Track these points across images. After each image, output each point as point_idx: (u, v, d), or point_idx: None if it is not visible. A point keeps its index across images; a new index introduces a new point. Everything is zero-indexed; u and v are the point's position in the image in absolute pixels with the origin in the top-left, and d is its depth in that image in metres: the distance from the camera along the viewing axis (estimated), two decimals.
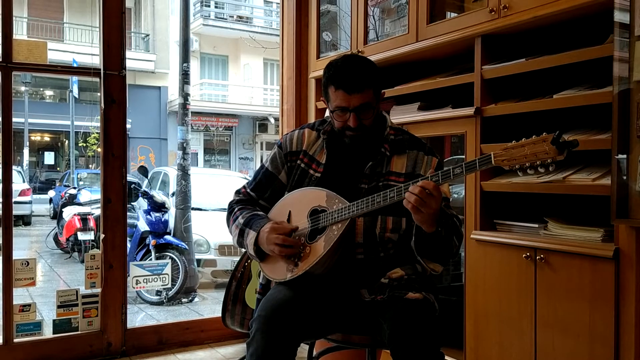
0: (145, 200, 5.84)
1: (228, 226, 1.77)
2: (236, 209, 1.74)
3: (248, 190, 1.78)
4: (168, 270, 3.51)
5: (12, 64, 2.72)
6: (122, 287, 2.95)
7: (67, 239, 7.30)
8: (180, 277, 5.40)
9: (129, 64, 3.00)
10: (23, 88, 15.95)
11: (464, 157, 2.18)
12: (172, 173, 7.53)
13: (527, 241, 1.91)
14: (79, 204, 8.14)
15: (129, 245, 5.35)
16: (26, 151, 16.31)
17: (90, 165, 17.31)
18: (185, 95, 6.30)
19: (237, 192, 1.81)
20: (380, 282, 1.59)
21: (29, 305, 2.81)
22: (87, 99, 16.21)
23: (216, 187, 7.32)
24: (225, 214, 1.81)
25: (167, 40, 17.94)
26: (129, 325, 3.01)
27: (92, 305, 2.91)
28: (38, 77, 16.34)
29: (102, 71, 2.87)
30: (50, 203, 13.20)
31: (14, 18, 2.77)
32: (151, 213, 5.66)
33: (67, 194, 8.64)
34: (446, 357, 1.55)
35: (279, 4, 5.23)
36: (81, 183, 12.11)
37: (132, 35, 18.11)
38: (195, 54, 17.97)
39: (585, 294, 1.73)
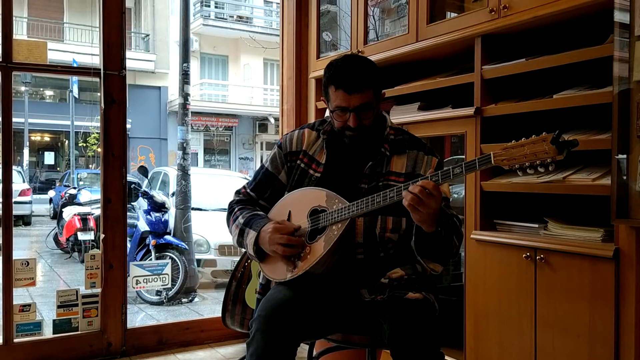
0: (145, 200, 5.84)
1: (228, 226, 1.77)
2: (236, 209, 1.74)
3: (248, 190, 1.78)
4: (168, 270, 3.51)
5: (12, 64, 2.72)
6: (122, 287, 2.95)
7: (67, 239, 7.30)
8: (180, 277, 5.40)
9: (129, 64, 3.00)
10: (23, 88, 15.95)
11: (464, 157, 2.18)
12: (172, 173, 7.53)
13: (527, 241, 1.91)
14: (79, 204, 8.14)
15: (129, 245, 5.35)
16: (26, 151, 16.32)
17: (90, 165, 17.31)
18: (185, 95, 6.30)
19: (237, 192, 1.81)
20: (380, 282, 1.59)
21: (29, 305, 2.81)
22: (87, 99, 16.22)
23: (216, 187, 7.32)
24: (225, 214, 1.81)
25: (167, 40, 17.94)
26: (129, 325, 3.01)
27: (92, 305, 2.91)
28: (38, 77, 16.35)
29: (102, 71, 2.87)
30: (50, 203, 13.20)
31: (14, 18, 2.77)
32: (151, 213, 5.66)
33: (67, 194, 8.65)
34: (446, 357, 1.55)
35: (279, 4, 5.23)
36: (81, 183, 12.11)
37: (132, 35, 18.12)
38: (195, 54, 17.97)
39: (585, 294, 1.73)
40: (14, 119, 2.73)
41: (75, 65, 9.82)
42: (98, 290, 2.92)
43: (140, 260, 5.35)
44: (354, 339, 1.67)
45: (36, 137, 19.05)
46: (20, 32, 15.82)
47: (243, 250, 1.91)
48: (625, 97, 1.58)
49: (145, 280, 3.42)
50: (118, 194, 2.92)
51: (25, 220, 11.51)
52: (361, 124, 1.60)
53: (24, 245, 8.91)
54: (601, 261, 1.68)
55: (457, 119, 2.19)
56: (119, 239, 2.94)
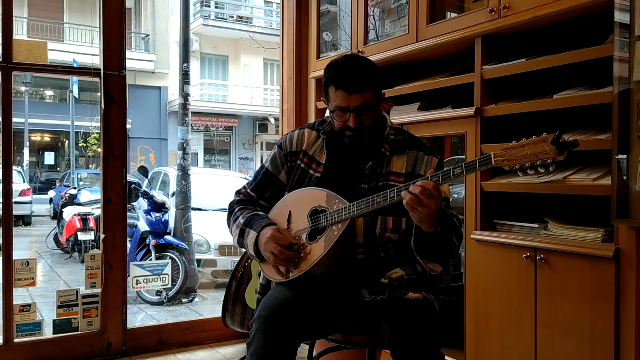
0: (146, 200, 5.84)
1: (228, 226, 1.77)
2: (236, 209, 1.74)
3: (248, 190, 1.78)
4: (168, 270, 3.51)
5: (12, 64, 2.72)
6: (122, 287, 2.95)
7: (67, 239, 7.30)
8: (180, 277, 5.40)
9: (129, 64, 3.00)
10: (23, 88, 15.95)
11: (464, 157, 2.18)
12: (172, 173, 7.54)
13: (527, 241, 1.91)
14: (79, 204, 8.14)
15: (129, 245, 5.35)
16: (26, 151, 16.32)
17: (90, 165, 17.32)
18: (185, 95, 6.30)
19: (238, 192, 1.81)
20: (380, 282, 1.59)
21: (29, 305, 2.81)
22: (87, 99, 16.22)
23: (216, 187, 7.32)
24: (225, 214, 1.81)
25: (167, 40, 17.94)
26: (129, 325, 3.01)
27: (92, 306, 2.91)
28: (38, 77, 16.35)
29: (102, 71, 2.87)
30: (50, 203, 13.20)
31: (14, 18, 2.77)
32: (151, 213, 5.66)
33: (67, 194, 8.64)
34: (446, 357, 1.55)
35: (279, 4, 5.23)
36: (81, 183, 12.11)
37: (132, 35, 18.12)
38: (196, 54, 17.97)
39: (586, 294, 1.73)
40: (14, 119, 2.73)
41: (75, 65, 9.84)
42: (98, 290, 2.92)
43: (141, 260, 5.35)
44: (354, 339, 1.67)
45: (36, 137, 19.05)
46: (20, 32, 15.82)
47: (243, 250, 1.91)
48: (625, 97, 1.58)
49: (145, 280, 3.42)
50: (118, 194, 2.92)
51: (26, 220, 11.51)
52: (361, 124, 1.60)
53: (24, 245, 8.91)
54: (601, 261, 1.68)
55: (457, 119, 2.19)
56: (119, 239, 2.94)
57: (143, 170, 6.13)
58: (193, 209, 6.17)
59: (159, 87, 18.11)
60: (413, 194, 1.40)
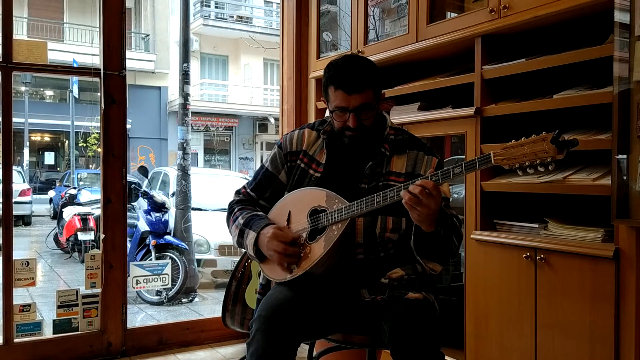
0: (146, 200, 5.84)
1: (228, 226, 1.77)
2: (236, 209, 1.74)
3: (248, 190, 1.78)
4: (168, 270, 3.51)
5: (12, 64, 2.72)
6: (122, 287, 2.95)
7: (67, 239, 7.30)
8: (180, 277, 5.40)
9: (129, 64, 3.00)
10: (23, 88, 15.95)
11: (464, 157, 2.18)
12: (172, 173, 7.53)
13: (527, 241, 1.91)
14: (79, 204, 8.14)
15: (129, 245, 5.35)
16: (26, 151, 16.32)
17: (90, 165, 17.32)
18: (185, 95, 6.30)
19: (237, 193, 1.81)
20: (380, 282, 1.59)
21: (29, 305, 2.81)
22: (87, 99, 16.22)
23: (216, 187, 7.32)
24: (225, 214, 1.81)
25: (167, 40, 17.94)
26: (129, 325, 3.01)
27: (92, 306, 2.91)
28: (38, 77, 16.35)
29: (102, 71, 2.87)
30: (50, 203, 13.20)
31: (14, 18, 2.77)
32: (151, 213, 5.66)
33: (67, 194, 8.64)
34: (446, 357, 1.55)
35: (279, 4, 5.23)
36: (81, 183, 12.11)
37: (132, 35, 18.12)
38: (196, 54, 17.97)
39: (586, 294, 1.73)
40: (14, 119, 2.73)
41: (75, 65, 9.84)
42: (98, 290, 2.92)
43: (141, 260, 5.35)
44: (354, 339, 1.67)
45: (36, 137, 19.05)
46: (20, 32, 15.83)
47: (243, 250, 1.91)
48: (625, 97, 1.58)
49: (145, 281, 3.42)
50: (118, 194, 2.92)
51: (26, 220, 11.51)
52: (361, 124, 1.60)
53: (24, 245, 8.91)
54: (601, 261, 1.68)
55: (457, 119, 2.19)
56: (119, 239, 2.94)
57: (143, 170, 6.13)
58: (193, 209, 6.17)
59: (159, 87, 18.11)
60: (412, 194, 1.40)
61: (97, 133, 14.53)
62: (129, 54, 3.18)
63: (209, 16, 18.47)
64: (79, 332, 2.88)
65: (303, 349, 1.79)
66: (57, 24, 17.23)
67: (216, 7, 18.82)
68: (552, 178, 1.85)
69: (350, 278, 1.61)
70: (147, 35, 18.17)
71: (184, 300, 5.49)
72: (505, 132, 2.04)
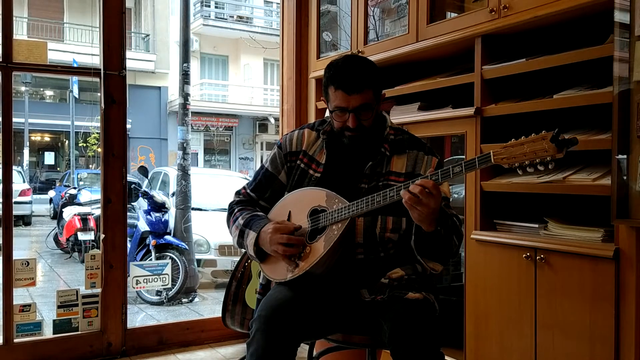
0: (146, 200, 5.84)
1: (228, 227, 1.77)
2: (236, 210, 1.74)
3: (248, 190, 1.78)
4: (168, 270, 3.51)
5: (12, 64, 2.72)
6: (122, 287, 2.95)
7: (67, 239, 7.30)
8: (180, 277, 5.40)
9: (129, 64, 3.00)
10: (23, 88, 15.95)
11: (464, 157, 2.17)
12: (172, 173, 7.54)
13: (527, 241, 1.91)
14: (79, 204, 8.14)
15: (129, 245, 5.35)
16: (26, 151, 16.32)
17: (90, 165, 17.32)
18: (185, 95, 6.30)
19: (237, 193, 1.81)
20: (381, 282, 1.59)
21: (29, 305, 2.81)
22: (87, 99, 16.22)
23: (216, 187, 7.32)
24: (225, 214, 1.81)
25: (167, 40, 17.94)
26: (129, 325, 3.01)
27: (92, 306, 2.91)
28: (38, 77, 16.35)
29: (102, 71, 2.87)
30: (50, 203, 13.20)
31: (14, 18, 2.77)
32: (151, 213, 5.66)
33: (67, 194, 8.64)
34: (446, 357, 1.55)
35: (279, 4, 5.23)
36: (81, 183, 12.11)
37: (132, 35, 18.12)
38: (196, 54, 17.97)
39: (586, 294, 1.73)
40: (14, 119, 2.73)
41: (75, 65, 9.84)
42: (98, 290, 2.92)
43: (141, 260, 5.35)
44: (354, 339, 1.67)
45: (36, 137, 19.05)
46: (20, 32, 15.82)
47: (243, 250, 1.91)
48: (625, 97, 1.58)
49: (145, 281, 3.42)
50: (118, 194, 2.92)
51: (26, 220, 11.51)
52: (360, 125, 1.60)
53: (24, 245, 8.91)
54: (601, 261, 1.68)
55: (457, 119, 2.19)
56: (119, 239, 2.94)
57: (143, 170, 6.13)
58: (193, 209, 6.17)
59: (159, 87, 18.11)
60: (412, 193, 1.40)
61: (97, 133, 14.53)
62: (129, 54, 3.18)
63: (209, 16, 18.47)
64: (79, 332, 2.88)
65: (303, 349, 1.79)
66: (57, 24, 17.23)
67: (216, 7, 18.82)
68: (552, 178, 1.84)
69: (350, 278, 1.61)
70: (147, 35, 18.17)
71: (184, 300, 5.49)
72: (505, 132, 2.03)
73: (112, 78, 2.89)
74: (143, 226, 5.67)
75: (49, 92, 18.82)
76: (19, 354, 2.73)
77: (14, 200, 2.91)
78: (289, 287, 1.59)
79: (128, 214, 3.04)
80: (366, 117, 1.60)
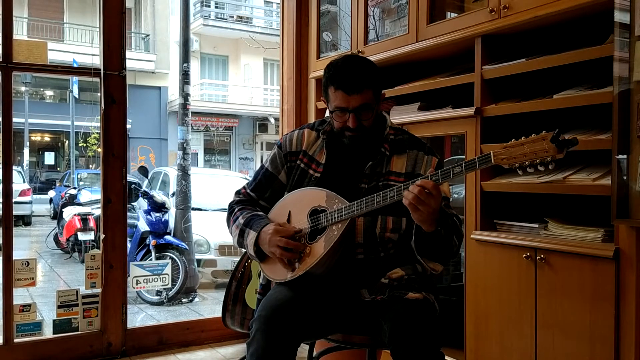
0: (146, 200, 5.84)
1: (228, 226, 1.77)
2: (236, 210, 1.74)
3: (248, 190, 1.78)
4: (168, 270, 3.51)
5: (12, 64, 2.72)
6: (123, 287, 2.95)
7: (67, 239, 7.30)
8: (180, 277, 5.40)
9: (129, 64, 3.00)
10: (23, 88, 15.95)
11: (464, 157, 2.18)
12: (172, 173, 7.54)
13: (527, 241, 1.91)
14: (79, 204, 8.14)
15: (129, 245, 5.35)
16: (26, 151, 16.32)
17: (90, 166, 17.32)
18: (185, 96, 6.30)
19: (237, 193, 1.81)
20: (381, 282, 1.59)
21: (29, 305, 2.81)
22: (87, 99, 16.21)
23: (216, 187, 7.32)
24: (225, 214, 1.81)
25: (167, 41, 17.94)
26: (129, 325, 3.01)
27: (93, 306, 2.91)
28: (38, 77, 16.34)
29: (102, 71, 2.87)
30: (50, 203, 13.21)
31: (14, 18, 2.77)
32: (151, 213, 5.66)
33: (68, 194, 8.64)
34: (446, 357, 1.55)
35: (279, 4, 5.23)
36: (81, 183, 12.11)
37: (132, 35, 18.12)
38: (196, 54, 17.97)
39: (586, 294, 1.73)
40: (14, 119, 2.73)
41: (75, 65, 9.84)
42: (98, 290, 2.92)
43: (141, 260, 5.35)
44: (354, 339, 1.67)
45: (36, 137, 19.05)
46: (20, 32, 15.82)
47: (243, 250, 1.91)
48: (625, 97, 1.58)
49: (145, 281, 3.42)
50: (118, 194, 2.92)
51: (26, 221, 11.51)
52: (360, 125, 1.60)
53: (24, 245, 8.91)
54: (601, 261, 1.68)
55: (457, 119, 2.19)
56: (119, 239, 2.94)
57: (143, 170, 6.13)
58: (193, 209, 6.17)
59: (159, 87, 18.11)
60: (412, 194, 1.40)
61: (97, 133, 14.54)
62: (129, 54, 3.18)
63: (209, 16, 18.47)
64: (79, 332, 2.88)
65: (303, 349, 1.79)
66: (57, 24, 17.23)
67: (216, 7, 18.82)
68: (552, 178, 1.84)
69: (350, 278, 1.61)
70: (147, 35, 18.17)
71: (184, 300, 5.49)
72: (505, 132, 2.03)
73: (112, 78, 2.89)
74: (143, 226, 5.67)
75: (49, 92, 18.82)
76: (19, 354, 2.73)
77: (14, 200, 2.91)
78: (289, 287, 1.59)
79: (128, 214, 3.04)
80: (366, 117, 1.60)
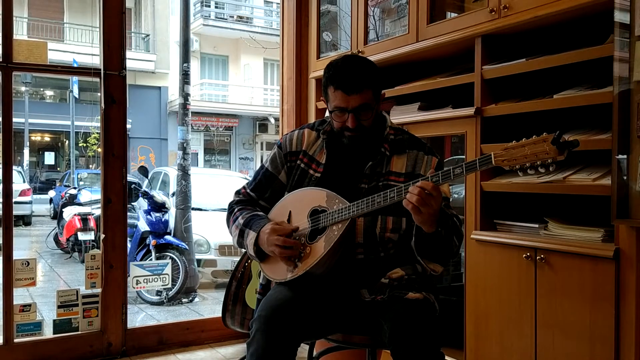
0: (146, 200, 5.84)
1: (228, 227, 1.77)
2: (236, 210, 1.74)
3: (248, 190, 1.78)
4: (168, 270, 3.51)
5: (12, 64, 2.72)
6: (123, 287, 2.95)
7: (68, 239, 7.30)
8: (180, 277, 5.40)
9: (129, 64, 3.00)
10: (23, 88, 15.95)
11: (464, 157, 2.18)
12: (172, 173, 7.54)
13: (527, 241, 1.91)
14: (79, 204, 8.14)
15: (129, 245, 5.35)
16: (26, 151, 16.32)
17: (90, 166, 17.32)
18: (185, 96, 6.30)
19: (237, 193, 1.81)
20: (381, 282, 1.59)
21: (29, 305, 2.81)
22: (87, 99, 16.21)
23: (216, 187, 7.32)
24: (225, 214, 1.81)
25: (167, 40, 17.94)
26: (129, 325, 3.02)
27: (93, 306, 2.91)
28: (38, 77, 16.35)
29: (102, 71, 2.87)
30: (50, 203, 13.21)
31: (14, 18, 2.77)
32: (151, 213, 5.66)
33: (68, 194, 8.65)
34: (446, 357, 1.55)
35: (279, 4, 5.23)
36: (81, 183, 12.12)
37: (132, 35, 18.11)
38: (196, 54, 17.97)
39: (586, 294, 1.73)
40: (14, 119, 2.73)
41: (75, 65, 9.84)
42: (98, 290, 2.92)
43: (141, 260, 5.35)
44: (354, 339, 1.67)
45: (36, 137, 19.05)
46: (20, 32, 15.82)
47: (243, 250, 1.91)
48: (625, 97, 1.58)
49: (145, 281, 3.42)
50: (118, 194, 2.92)
51: (26, 220, 11.51)
52: (360, 125, 1.59)
53: (24, 245, 8.91)
54: (601, 261, 1.68)
55: (457, 119, 2.19)
56: (119, 239, 2.94)
57: (143, 170, 6.13)
58: (193, 209, 6.17)
59: (159, 87, 18.11)
60: (412, 194, 1.40)
61: (97, 133, 14.54)
62: (129, 54, 3.18)
63: (209, 16, 18.47)
64: (79, 332, 2.88)
65: (303, 349, 1.79)
66: (57, 24, 17.23)
67: (216, 7, 18.82)
68: (552, 178, 1.84)
69: (351, 278, 1.61)
70: (147, 35, 18.17)
71: (184, 300, 5.49)
72: (505, 132, 2.04)
73: (112, 78, 2.89)
74: (143, 226, 5.67)
75: (49, 92, 18.82)
76: (19, 354, 2.73)
77: (14, 200, 2.91)
78: (289, 287, 1.59)
79: (128, 214, 3.04)
80: (366, 117, 1.60)
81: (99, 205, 3.22)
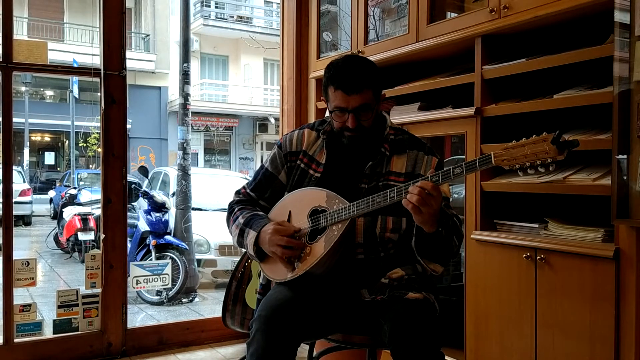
0: (146, 200, 5.84)
1: (228, 226, 1.77)
2: (236, 209, 1.74)
3: (248, 190, 1.78)
4: (168, 270, 3.51)
5: (12, 64, 2.72)
6: (123, 287, 2.95)
7: (68, 239, 7.30)
8: (180, 277, 5.40)
9: (129, 64, 3.00)
10: (23, 88, 15.96)
11: (464, 157, 2.18)
12: (173, 173, 7.54)
13: (527, 241, 1.91)
14: (80, 204, 8.14)
15: (129, 245, 5.35)
16: (26, 151, 16.32)
17: (90, 166, 17.32)
18: (185, 96, 6.30)
19: (237, 193, 1.81)
20: (381, 282, 1.59)
21: (29, 305, 2.81)
22: (87, 99, 16.21)
23: (216, 187, 7.33)
24: (225, 214, 1.81)
25: (167, 40, 17.94)
26: (129, 325, 3.02)
27: (93, 306, 2.91)
28: (38, 77, 16.35)
29: (102, 71, 2.87)
30: (50, 203, 13.21)
31: (14, 18, 2.78)
32: (151, 213, 5.66)
33: (68, 194, 8.65)
34: (446, 357, 1.55)
35: (279, 4, 5.23)
36: (81, 183, 12.12)
37: (132, 35, 18.12)
38: (196, 54, 17.97)
39: (586, 294, 1.73)
40: (14, 119, 2.73)
41: (75, 65, 9.85)
42: (98, 290, 2.92)
43: (141, 260, 5.35)
44: (354, 339, 1.67)
45: (36, 137, 19.05)
46: (20, 32, 15.83)
47: (243, 250, 1.91)
48: (625, 97, 1.58)
49: (145, 281, 3.42)
50: (118, 194, 2.92)
51: (26, 220, 11.52)
52: (360, 125, 1.59)
53: (24, 245, 8.91)
54: (601, 261, 1.68)
55: (457, 119, 2.19)
56: (120, 239, 2.94)
57: (143, 170, 6.13)
58: (193, 209, 6.17)
59: (159, 87, 18.11)
60: (412, 194, 1.40)
61: (97, 133, 14.54)
62: (129, 54, 3.18)
63: (209, 16, 18.47)
64: (79, 332, 2.88)
65: (303, 349, 1.79)
66: (57, 24, 17.23)
67: (216, 7, 18.82)
68: (552, 178, 1.85)
69: (351, 278, 1.61)
70: (147, 35, 18.17)
71: (184, 300, 5.49)
72: (505, 132, 2.04)
73: (112, 78, 2.89)
74: (143, 226, 5.67)
75: (49, 92, 18.82)
76: (19, 354, 2.73)
77: (14, 200, 2.91)
78: (289, 287, 1.59)
79: (128, 214, 3.04)
80: (366, 117, 1.60)
81: (99, 205, 3.22)
